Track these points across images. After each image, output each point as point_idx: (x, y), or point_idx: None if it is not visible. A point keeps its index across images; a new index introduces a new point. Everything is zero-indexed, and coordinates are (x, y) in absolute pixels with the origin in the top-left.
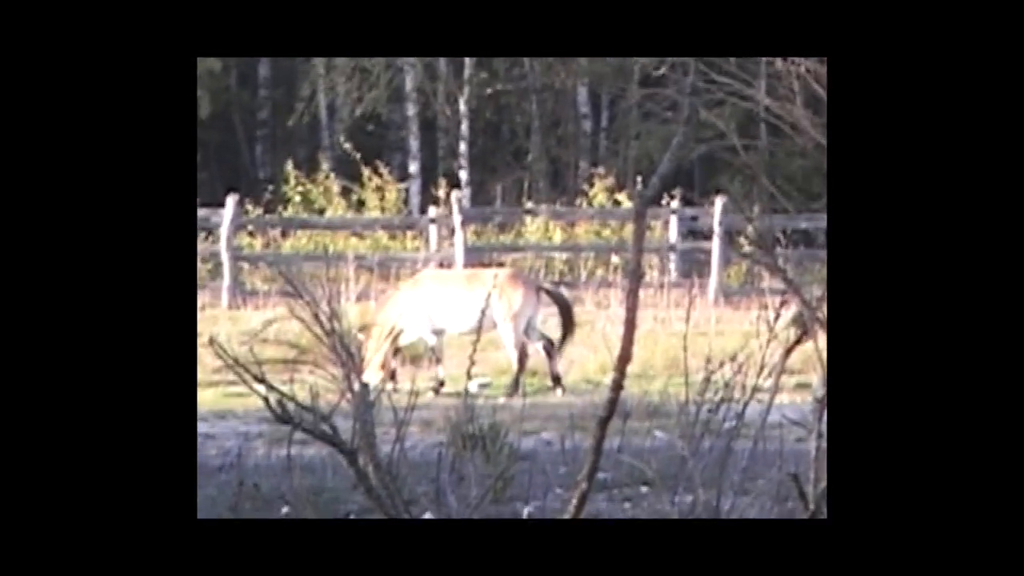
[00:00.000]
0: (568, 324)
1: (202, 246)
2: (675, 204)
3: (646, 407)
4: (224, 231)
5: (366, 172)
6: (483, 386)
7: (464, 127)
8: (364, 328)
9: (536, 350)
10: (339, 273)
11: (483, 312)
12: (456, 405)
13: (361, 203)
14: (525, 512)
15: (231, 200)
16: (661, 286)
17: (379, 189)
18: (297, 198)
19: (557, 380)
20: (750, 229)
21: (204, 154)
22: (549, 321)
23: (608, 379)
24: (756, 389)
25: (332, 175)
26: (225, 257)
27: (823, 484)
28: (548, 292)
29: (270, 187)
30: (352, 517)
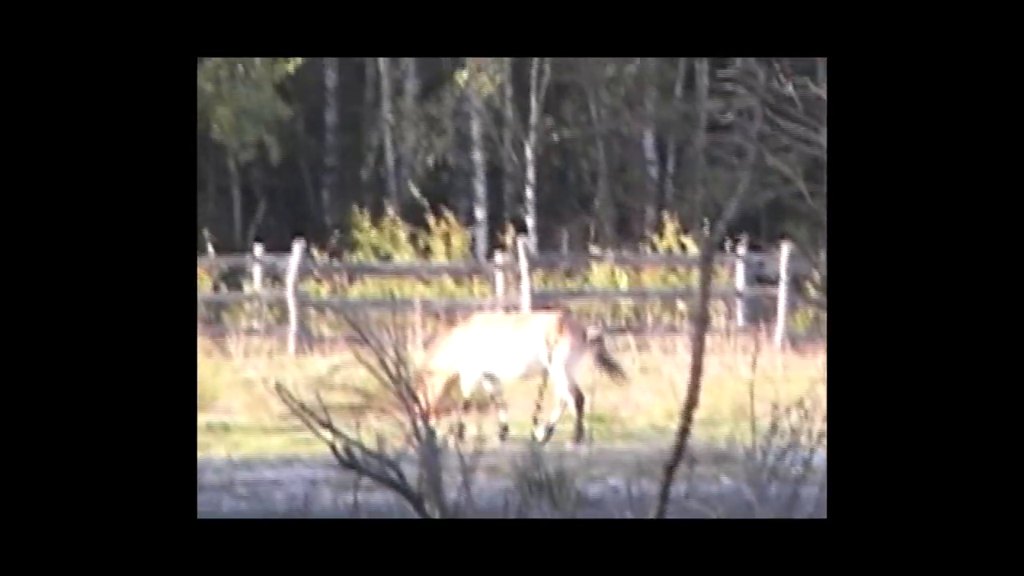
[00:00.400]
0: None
1: (269, 292)
2: (741, 250)
3: (713, 453)
4: (291, 277)
5: (433, 218)
6: (549, 431)
7: (530, 173)
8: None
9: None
10: (405, 319)
11: (531, 357)
12: (522, 451)
13: (428, 249)
14: None
15: (298, 246)
16: (727, 332)
17: (446, 235)
18: (365, 243)
19: (580, 433)
20: (816, 275)
21: (272, 200)
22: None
23: (675, 425)
24: (823, 435)
25: (399, 220)
26: (291, 303)
27: None
28: (593, 341)
29: (337, 232)
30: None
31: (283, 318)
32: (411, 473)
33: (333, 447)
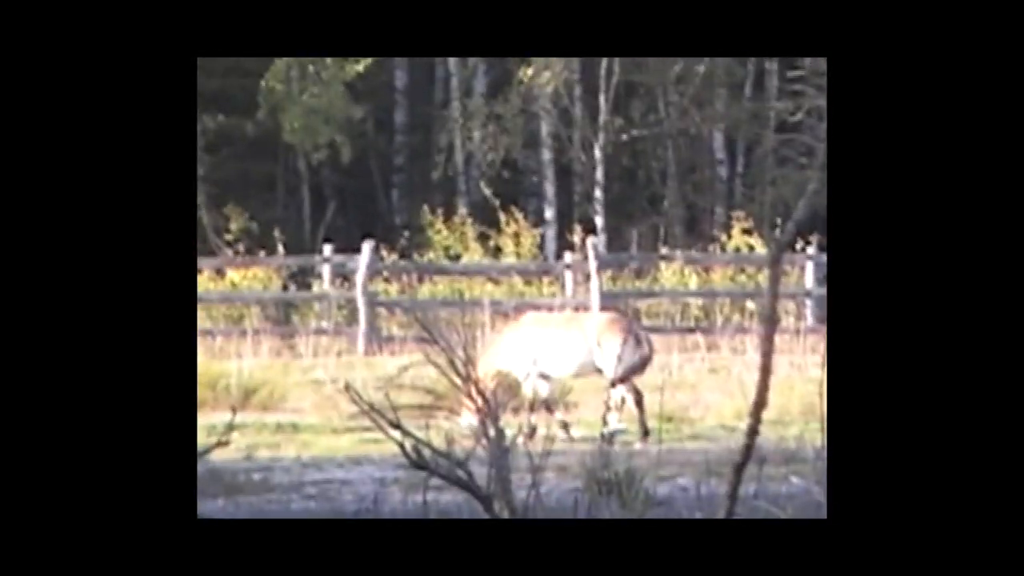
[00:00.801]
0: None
1: (338, 291)
2: (811, 250)
3: (782, 453)
4: (360, 277)
5: (502, 218)
6: (618, 431)
7: (600, 173)
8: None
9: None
10: (475, 319)
11: (583, 356)
12: (591, 451)
13: (497, 248)
14: None
15: (367, 246)
16: (797, 331)
17: (515, 235)
18: (434, 243)
19: (646, 431)
20: None
21: (341, 200)
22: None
23: (744, 425)
24: None
25: (468, 220)
26: (361, 303)
27: None
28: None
29: (406, 233)
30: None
31: (352, 318)
32: (480, 473)
33: (402, 447)
